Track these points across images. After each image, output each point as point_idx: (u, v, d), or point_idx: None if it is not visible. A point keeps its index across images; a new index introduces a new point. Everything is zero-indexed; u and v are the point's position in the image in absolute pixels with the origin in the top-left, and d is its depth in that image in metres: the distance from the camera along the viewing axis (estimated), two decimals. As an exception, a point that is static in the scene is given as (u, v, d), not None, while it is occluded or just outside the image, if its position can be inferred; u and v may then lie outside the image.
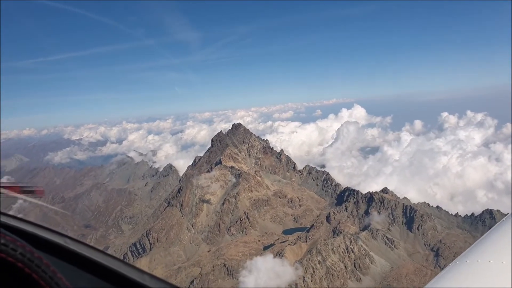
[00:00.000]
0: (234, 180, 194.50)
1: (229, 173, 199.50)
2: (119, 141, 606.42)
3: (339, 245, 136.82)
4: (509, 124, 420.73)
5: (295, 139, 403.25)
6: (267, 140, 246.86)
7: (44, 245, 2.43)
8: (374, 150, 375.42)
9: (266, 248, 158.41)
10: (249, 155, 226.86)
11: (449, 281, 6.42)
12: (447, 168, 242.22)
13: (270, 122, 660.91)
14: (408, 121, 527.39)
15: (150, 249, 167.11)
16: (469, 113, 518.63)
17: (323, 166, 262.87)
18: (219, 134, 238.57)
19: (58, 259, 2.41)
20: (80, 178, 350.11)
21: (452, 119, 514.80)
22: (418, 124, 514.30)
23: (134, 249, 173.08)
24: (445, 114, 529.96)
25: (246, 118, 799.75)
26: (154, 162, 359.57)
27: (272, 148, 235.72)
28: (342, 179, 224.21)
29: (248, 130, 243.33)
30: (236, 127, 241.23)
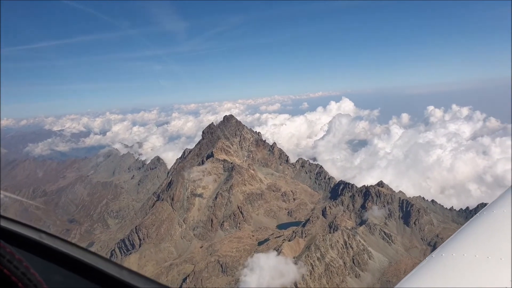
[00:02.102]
0: (227, 173, 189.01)
1: (222, 166, 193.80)
2: (103, 133, 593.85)
3: (337, 241, 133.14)
4: (492, 118, 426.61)
5: (285, 132, 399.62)
6: (259, 132, 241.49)
7: (18, 240, 2.37)
8: (362, 143, 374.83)
9: (261, 243, 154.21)
10: (241, 147, 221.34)
11: (424, 275, 6.38)
12: (439, 161, 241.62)
13: (257, 115, 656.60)
14: (394, 115, 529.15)
15: (140, 246, 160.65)
16: (454, 107, 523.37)
17: (315, 159, 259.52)
18: (210, 126, 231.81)
19: (33, 255, 2.35)
20: (62, 170, 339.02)
21: (438, 112, 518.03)
22: (405, 117, 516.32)
23: (123, 245, 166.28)
24: (431, 107, 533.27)
25: (233, 110, 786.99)
26: (140, 154, 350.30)
27: (264, 141, 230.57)
28: (335, 172, 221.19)
29: (240, 122, 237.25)
30: (228, 119, 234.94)
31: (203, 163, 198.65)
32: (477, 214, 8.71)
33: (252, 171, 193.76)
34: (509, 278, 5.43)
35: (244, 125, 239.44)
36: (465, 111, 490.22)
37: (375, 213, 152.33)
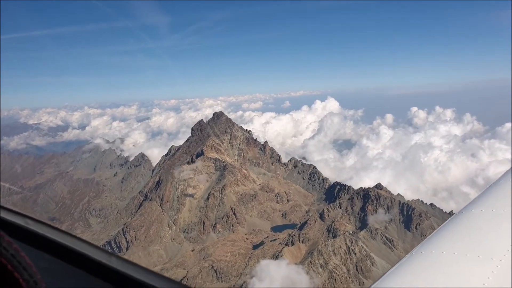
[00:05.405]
0: (218, 172, 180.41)
1: (213, 165, 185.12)
2: (82, 127, 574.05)
3: (340, 246, 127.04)
4: (475, 121, 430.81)
5: (271, 130, 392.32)
6: (250, 130, 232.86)
7: (3, 226, 2.34)
8: (347, 143, 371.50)
9: (256, 247, 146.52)
10: (232, 146, 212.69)
11: (404, 271, 6.38)
12: (436, 163, 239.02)
13: (240, 112, 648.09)
14: (378, 115, 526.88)
15: (127, 248, 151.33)
16: (437, 108, 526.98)
17: (304, 159, 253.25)
18: (200, 123, 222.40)
19: (18, 240, 2.30)
20: (40, 166, 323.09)
21: (422, 114, 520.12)
22: (389, 118, 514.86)
23: (109, 247, 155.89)
24: (414, 109, 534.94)
25: (215, 107, 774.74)
26: (122, 150, 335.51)
27: (255, 139, 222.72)
28: (328, 173, 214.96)
29: (230, 119, 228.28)
30: (218, 116, 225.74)
31: (193, 161, 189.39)
32: (457, 213, 8.63)
33: (245, 171, 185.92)
34: (487, 275, 5.52)
35: (235, 123, 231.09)
36: (448, 113, 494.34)
37: (380, 217, 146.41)
